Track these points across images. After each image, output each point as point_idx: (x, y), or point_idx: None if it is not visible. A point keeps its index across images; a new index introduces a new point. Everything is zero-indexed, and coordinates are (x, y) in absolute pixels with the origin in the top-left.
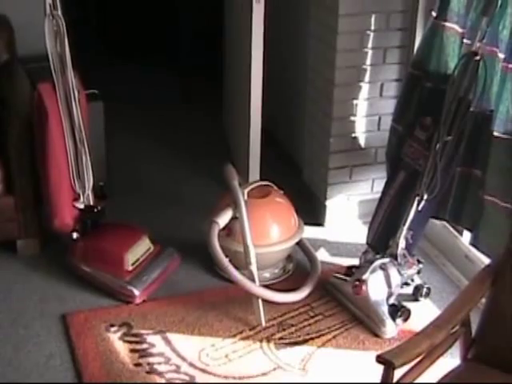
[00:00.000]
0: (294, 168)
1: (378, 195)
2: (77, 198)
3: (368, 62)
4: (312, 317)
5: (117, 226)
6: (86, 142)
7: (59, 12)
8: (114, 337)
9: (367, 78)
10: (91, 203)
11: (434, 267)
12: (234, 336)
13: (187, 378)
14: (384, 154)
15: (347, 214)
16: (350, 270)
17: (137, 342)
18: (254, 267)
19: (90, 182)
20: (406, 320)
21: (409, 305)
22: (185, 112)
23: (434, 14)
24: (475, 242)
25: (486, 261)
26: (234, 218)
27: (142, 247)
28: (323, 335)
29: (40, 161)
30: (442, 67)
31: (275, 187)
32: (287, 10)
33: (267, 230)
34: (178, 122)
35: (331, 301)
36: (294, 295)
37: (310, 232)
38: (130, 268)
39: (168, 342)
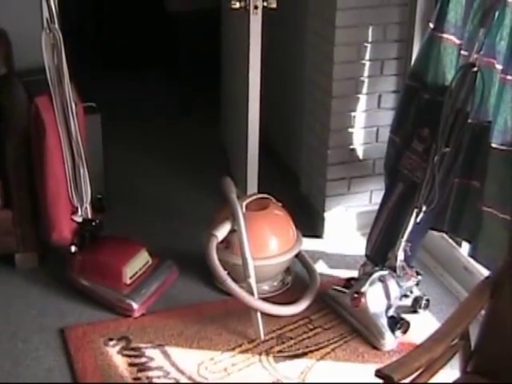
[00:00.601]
0: (292, 180)
1: (377, 207)
2: (75, 212)
3: (365, 73)
4: (311, 329)
5: (115, 239)
6: (83, 155)
7: (56, 25)
8: (113, 351)
9: (365, 89)
10: (89, 216)
11: (432, 279)
12: (233, 349)
13: None
14: (382, 166)
15: (346, 226)
16: (348, 283)
17: (135, 356)
18: (252, 280)
19: (87, 195)
20: (405, 332)
21: (408, 317)
22: (183, 124)
23: (431, 25)
24: (474, 253)
25: (485, 272)
26: (232, 231)
27: (141, 260)
28: (322, 348)
29: (37, 174)
30: (439, 78)
31: (273, 200)
32: (285, 21)
33: (266, 243)
34: (176, 134)
35: (330, 313)
36: (293, 308)
37: (308, 244)
38: (129, 281)
39: (167, 355)
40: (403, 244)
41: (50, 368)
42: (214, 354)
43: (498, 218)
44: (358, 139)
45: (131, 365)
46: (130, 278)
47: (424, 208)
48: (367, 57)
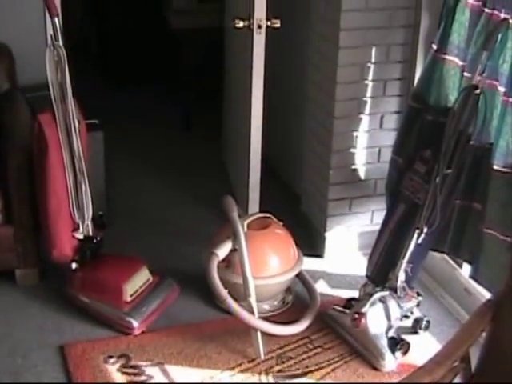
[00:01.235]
0: (294, 199)
1: (378, 227)
2: (76, 228)
3: (368, 94)
4: (311, 349)
5: (116, 256)
6: (85, 172)
7: (60, 43)
8: (113, 368)
9: (367, 110)
10: (90, 233)
11: (433, 300)
12: (233, 368)
13: None
14: (383, 186)
15: (347, 246)
16: (349, 303)
17: (135, 374)
18: (253, 299)
19: (89, 212)
20: (405, 353)
21: (408, 338)
22: (184, 141)
23: (434, 46)
24: (475, 274)
25: (486, 294)
26: (233, 250)
27: (141, 278)
28: (322, 368)
29: (39, 191)
30: (442, 100)
31: (275, 219)
32: (288, 41)
33: (266, 262)
34: (177, 151)
35: (330, 333)
36: (293, 327)
37: (309, 264)
38: (129, 299)
39: (166, 374)
40: (404, 265)
41: None
42: (213, 372)
43: (498, 239)
44: (360, 159)
45: (131, 383)
46: (131, 295)
47: (425, 229)
48: (370, 77)
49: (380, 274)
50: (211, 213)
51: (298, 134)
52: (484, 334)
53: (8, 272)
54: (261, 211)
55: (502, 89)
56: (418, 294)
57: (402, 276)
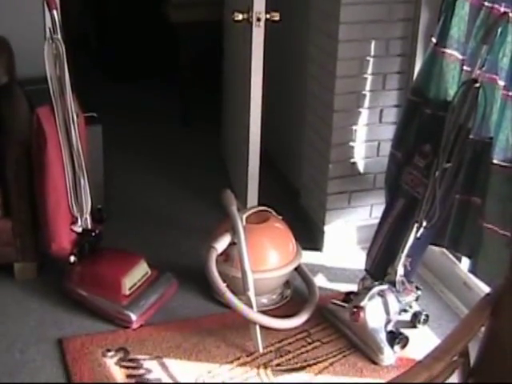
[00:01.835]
0: (293, 193)
1: (377, 221)
2: (74, 222)
3: (367, 87)
4: (309, 343)
5: (114, 250)
6: (84, 166)
7: (59, 36)
8: (111, 362)
9: (367, 103)
10: (89, 227)
11: (432, 294)
12: (231, 362)
13: None
14: (383, 180)
15: (345, 240)
16: (348, 297)
17: (133, 368)
18: (251, 293)
19: (87, 205)
20: (403, 347)
21: (407, 332)
22: (184, 135)
23: (433, 40)
24: (474, 269)
25: (485, 288)
26: (232, 244)
27: (140, 272)
28: (320, 362)
29: (38, 184)
30: (441, 94)
31: (274, 213)
32: (287, 35)
33: (265, 256)
34: (176, 144)
35: (329, 327)
36: (292, 321)
37: (308, 257)
38: (127, 293)
39: (165, 367)
40: (403, 259)
41: (47, 379)
42: (212, 366)
43: (498, 234)
44: (359, 153)
45: (129, 376)
46: (129, 289)
47: (424, 223)
48: (369, 71)
49: (379, 268)
50: (210, 207)
51: (297, 128)
52: (483, 329)
53: (6, 266)
54: (260, 205)
55: (501, 83)
56: (417, 288)
57: (400, 270)
